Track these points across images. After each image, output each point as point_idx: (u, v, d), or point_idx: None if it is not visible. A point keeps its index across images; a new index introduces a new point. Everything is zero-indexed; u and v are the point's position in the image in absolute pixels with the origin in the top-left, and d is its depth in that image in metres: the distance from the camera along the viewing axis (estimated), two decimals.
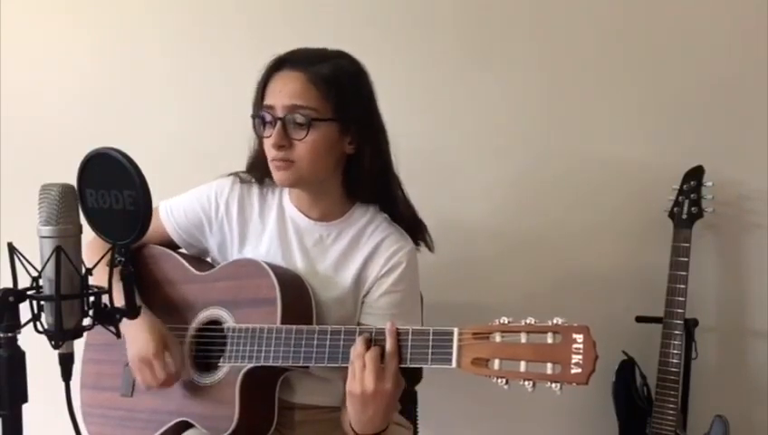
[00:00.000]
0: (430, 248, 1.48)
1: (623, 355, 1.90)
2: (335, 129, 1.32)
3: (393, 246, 1.39)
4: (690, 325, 1.84)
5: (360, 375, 1.18)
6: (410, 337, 1.18)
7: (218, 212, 1.45)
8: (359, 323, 1.39)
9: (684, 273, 1.82)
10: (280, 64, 1.33)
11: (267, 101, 1.32)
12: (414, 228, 1.45)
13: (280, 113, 1.30)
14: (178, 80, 2.01)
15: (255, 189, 1.46)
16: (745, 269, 1.99)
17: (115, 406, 1.46)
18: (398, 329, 1.19)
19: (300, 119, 1.29)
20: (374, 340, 1.21)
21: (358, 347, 1.20)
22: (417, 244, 1.45)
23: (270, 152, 1.33)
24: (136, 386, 1.44)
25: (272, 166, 1.34)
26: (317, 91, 1.30)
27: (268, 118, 1.32)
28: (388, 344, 1.19)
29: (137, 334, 1.35)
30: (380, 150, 1.39)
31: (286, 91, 1.30)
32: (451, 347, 1.13)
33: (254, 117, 1.35)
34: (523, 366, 1.07)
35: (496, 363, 1.09)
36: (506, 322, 1.10)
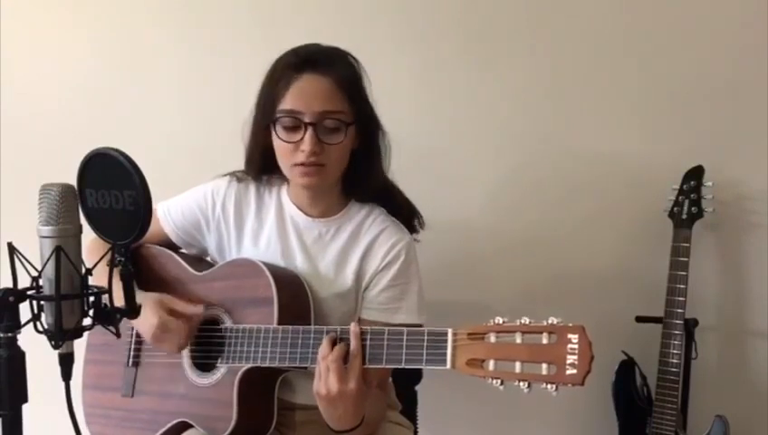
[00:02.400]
0: (422, 226, 1.48)
1: (623, 355, 1.90)
2: (354, 129, 1.34)
3: (391, 239, 1.39)
4: (690, 325, 1.84)
5: (325, 377, 1.19)
6: (405, 337, 1.17)
7: (215, 211, 1.45)
8: (359, 319, 1.39)
9: (684, 273, 1.81)
10: (300, 66, 1.30)
11: (292, 106, 1.29)
12: (410, 216, 1.46)
13: (310, 119, 1.28)
14: (179, 80, 2.01)
15: (252, 188, 1.46)
16: (745, 269, 1.99)
17: (116, 406, 1.46)
18: (361, 329, 1.20)
19: (331, 124, 1.29)
20: (340, 339, 1.21)
21: (323, 349, 1.20)
22: (415, 231, 1.46)
23: (296, 157, 1.30)
24: (136, 387, 1.45)
25: (296, 170, 1.32)
26: (343, 95, 1.30)
27: (293, 123, 1.29)
28: (351, 346, 1.19)
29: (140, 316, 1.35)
30: (378, 147, 1.40)
31: (317, 97, 1.28)
32: (446, 348, 1.12)
33: (272, 121, 1.31)
34: (518, 367, 1.06)
35: (491, 364, 1.08)
36: (501, 322, 1.09)
